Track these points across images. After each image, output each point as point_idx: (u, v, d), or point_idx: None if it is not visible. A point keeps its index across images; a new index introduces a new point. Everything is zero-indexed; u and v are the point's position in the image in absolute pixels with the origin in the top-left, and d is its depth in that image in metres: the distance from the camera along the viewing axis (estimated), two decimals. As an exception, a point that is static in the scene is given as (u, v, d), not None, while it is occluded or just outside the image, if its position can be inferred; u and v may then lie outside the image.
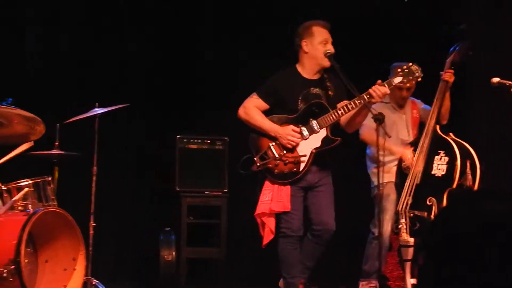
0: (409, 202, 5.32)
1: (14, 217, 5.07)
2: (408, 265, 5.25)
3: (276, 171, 5.28)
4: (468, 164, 5.33)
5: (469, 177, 5.33)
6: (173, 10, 7.17)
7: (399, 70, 5.24)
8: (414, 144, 5.55)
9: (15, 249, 4.81)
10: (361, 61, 6.80)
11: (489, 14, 6.79)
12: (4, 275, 4.74)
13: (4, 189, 5.23)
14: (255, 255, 6.87)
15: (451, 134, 5.47)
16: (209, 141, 6.90)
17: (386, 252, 5.48)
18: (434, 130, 5.45)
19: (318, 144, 5.28)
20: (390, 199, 5.74)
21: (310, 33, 5.32)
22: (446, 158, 5.34)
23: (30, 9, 6.75)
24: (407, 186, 5.37)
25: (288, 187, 5.27)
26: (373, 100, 5.09)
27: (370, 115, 5.16)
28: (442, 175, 5.34)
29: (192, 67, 7.20)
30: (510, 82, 5.35)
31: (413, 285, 5.26)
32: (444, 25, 6.67)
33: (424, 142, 5.42)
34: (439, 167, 5.35)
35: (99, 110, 5.61)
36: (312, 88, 5.33)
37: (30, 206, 5.19)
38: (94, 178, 5.63)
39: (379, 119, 5.01)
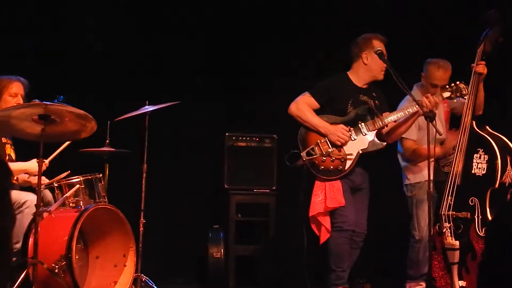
0: (451, 203, 5.26)
1: (66, 214, 5.13)
2: (455, 268, 5.21)
3: (322, 167, 5.41)
4: (508, 160, 5.25)
5: (511, 173, 5.24)
6: (221, 9, 7.17)
7: (447, 86, 5.42)
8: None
9: (66, 245, 4.88)
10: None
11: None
12: (56, 271, 4.81)
13: (56, 186, 5.30)
14: (302, 253, 6.88)
15: (487, 127, 5.36)
16: (258, 139, 6.90)
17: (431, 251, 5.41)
18: (471, 127, 5.35)
19: (365, 146, 5.43)
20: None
21: (371, 46, 5.49)
22: (486, 157, 5.25)
23: (89, 18, 6.82)
24: (448, 187, 5.30)
25: (339, 182, 5.38)
26: (424, 109, 5.20)
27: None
28: (483, 174, 5.26)
29: (242, 64, 7.19)
30: None
31: (461, 287, 5.21)
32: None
33: (462, 140, 5.33)
34: (479, 166, 5.27)
35: (149, 108, 5.65)
36: (361, 95, 5.52)
37: (81, 203, 5.25)
38: (144, 175, 5.66)
39: (430, 117, 5.00)
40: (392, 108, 5.62)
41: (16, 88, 5.44)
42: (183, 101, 5.90)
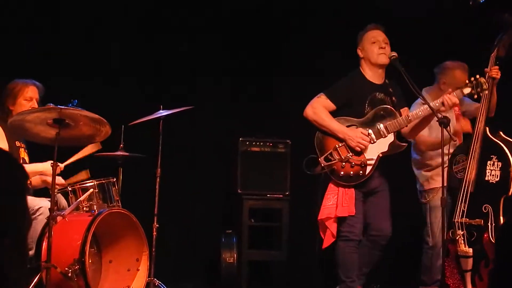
0: (464, 210, 5.23)
1: (79, 218, 5.14)
2: (468, 275, 5.18)
3: (342, 173, 5.28)
4: None
5: None
6: (241, 14, 7.17)
7: (467, 81, 5.27)
8: (464, 151, 5.41)
9: (80, 249, 4.89)
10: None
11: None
12: (69, 274, 4.81)
13: (70, 190, 5.32)
14: (315, 258, 6.87)
15: (501, 133, 5.30)
16: (271, 144, 6.89)
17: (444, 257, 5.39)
18: (484, 133, 5.28)
19: (385, 148, 5.29)
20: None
21: (361, 39, 5.45)
22: (499, 164, 5.20)
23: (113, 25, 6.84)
24: (461, 194, 5.25)
25: (352, 190, 5.27)
26: (443, 109, 5.14)
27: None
28: (496, 181, 5.21)
29: (257, 69, 7.18)
30: None
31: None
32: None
33: (475, 147, 5.26)
34: (492, 173, 5.22)
35: (163, 112, 5.66)
36: (377, 93, 5.38)
37: (95, 207, 5.26)
38: (158, 179, 5.67)
39: (444, 123, 4.96)
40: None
41: (31, 92, 5.47)
42: (197, 106, 5.91)
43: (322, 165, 5.29)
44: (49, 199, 4.91)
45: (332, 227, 5.29)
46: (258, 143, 6.87)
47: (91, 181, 5.35)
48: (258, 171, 6.80)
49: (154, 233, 5.57)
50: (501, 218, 5.13)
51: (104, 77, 6.74)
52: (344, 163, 5.25)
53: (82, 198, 5.25)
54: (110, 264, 5.37)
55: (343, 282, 5.32)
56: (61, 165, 5.26)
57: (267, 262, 6.83)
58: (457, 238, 5.19)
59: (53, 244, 4.63)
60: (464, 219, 5.21)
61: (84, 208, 5.26)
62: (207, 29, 7.09)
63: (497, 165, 5.21)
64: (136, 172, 6.01)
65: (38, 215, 5.06)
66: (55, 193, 4.90)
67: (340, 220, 5.30)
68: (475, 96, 5.32)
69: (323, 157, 5.30)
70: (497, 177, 5.20)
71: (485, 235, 5.14)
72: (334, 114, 5.37)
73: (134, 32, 6.90)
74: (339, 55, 6.58)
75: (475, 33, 6.65)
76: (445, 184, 5.05)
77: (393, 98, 5.38)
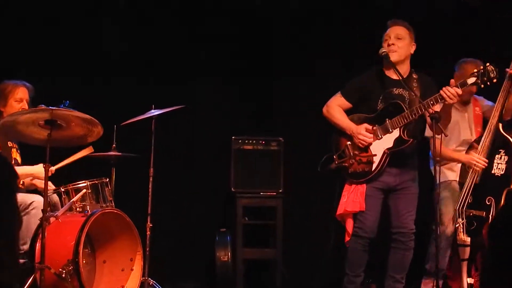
0: (470, 201, 5.26)
1: (73, 218, 5.14)
2: (464, 265, 5.21)
3: (350, 170, 5.34)
4: None
5: None
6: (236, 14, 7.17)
7: (474, 70, 5.12)
8: (478, 142, 5.46)
9: (73, 250, 4.89)
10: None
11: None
12: (63, 275, 4.81)
13: (63, 191, 5.31)
14: (310, 255, 6.88)
15: None
16: (264, 142, 6.89)
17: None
18: (496, 129, 5.33)
19: (391, 144, 5.27)
20: (454, 198, 5.58)
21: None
22: (506, 157, 5.26)
23: (107, 18, 6.83)
24: (467, 185, 5.32)
25: (364, 186, 5.29)
26: (449, 101, 5.04)
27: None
28: (501, 174, 5.26)
29: (248, 67, 7.18)
30: None
31: (469, 284, 5.20)
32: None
33: (486, 140, 5.34)
34: (499, 166, 5.28)
35: (155, 112, 5.66)
36: (395, 88, 5.33)
37: (88, 207, 5.26)
38: (151, 179, 5.67)
39: (435, 118, 4.94)
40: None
41: (21, 93, 5.47)
42: (189, 105, 5.91)
43: (336, 162, 5.36)
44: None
45: (348, 224, 5.35)
46: (250, 141, 6.86)
47: (84, 181, 5.35)
48: (251, 169, 6.80)
49: (148, 232, 5.57)
50: (501, 210, 5.17)
51: (96, 78, 6.73)
52: (352, 160, 5.31)
53: (75, 198, 5.26)
54: (104, 264, 5.37)
55: (346, 274, 5.37)
56: (53, 168, 5.26)
57: (261, 260, 6.83)
58: (456, 226, 5.21)
59: (47, 245, 4.63)
60: (464, 209, 5.25)
61: (77, 209, 5.26)
62: (202, 29, 7.08)
63: (504, 158, 5.27)
64: (129, 172, 6.00)
65: (31, 210, 5.07)
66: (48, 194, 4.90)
67: (354, 217, 5.33)
68: (482, 86, 5.16)
69: (337, 154, 5.38)
70: (502, 171, 5.26)
71: (485, 227, 5.16)
72: (351, 111, 5.41)
73: (126, 31, 6.89)
74: (335, 56, 6.60)
75: (498, 33, 6.65)
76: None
77: (416, 92, 5.23)
